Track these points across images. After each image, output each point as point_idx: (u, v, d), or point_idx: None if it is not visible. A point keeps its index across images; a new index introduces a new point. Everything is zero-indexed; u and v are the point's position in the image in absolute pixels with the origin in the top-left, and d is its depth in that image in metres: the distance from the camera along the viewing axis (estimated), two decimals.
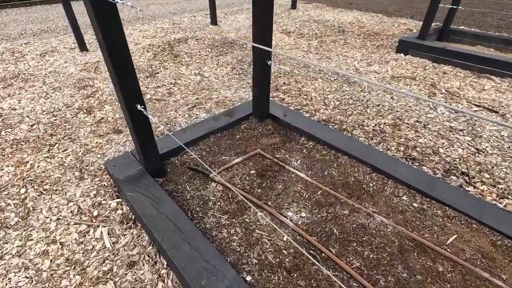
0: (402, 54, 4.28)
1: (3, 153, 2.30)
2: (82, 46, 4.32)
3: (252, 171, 1.85)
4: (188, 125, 2.63)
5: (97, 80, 3.46)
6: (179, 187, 1.78)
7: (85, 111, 2.89)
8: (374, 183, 1.76)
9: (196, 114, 2.82)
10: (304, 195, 1.68)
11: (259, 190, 1.71)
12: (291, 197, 1.66)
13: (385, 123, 2.63)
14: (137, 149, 1.76)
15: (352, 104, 2.96)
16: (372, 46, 4.61)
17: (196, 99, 3.10)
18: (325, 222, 1.51)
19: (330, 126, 2.58)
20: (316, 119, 2.69)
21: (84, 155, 2.31)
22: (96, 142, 2.45)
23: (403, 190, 1.69)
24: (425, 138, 2.44)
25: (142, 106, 1.51)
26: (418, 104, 2.97)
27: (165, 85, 3.39)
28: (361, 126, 2.60)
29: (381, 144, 2.37)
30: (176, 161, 1.99)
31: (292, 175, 1.81)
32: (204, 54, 4.24)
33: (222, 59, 4.08)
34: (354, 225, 1.48)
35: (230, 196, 1.68)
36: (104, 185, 1.99)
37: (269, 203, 1.63)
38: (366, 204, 1.62)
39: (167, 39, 4.85)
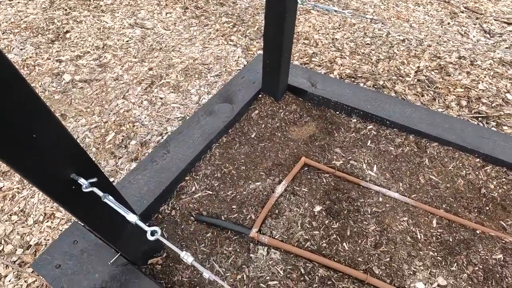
0: None
1: None
2: None
3: (316, 207, 1.10)
4: (157, 123, 1.63)
5: None
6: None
7: None
8: (495, 182, 1.16)
9: (161, 98, 1.79)
10: (417, 235, 1.02)
11: (345, 246, 1.00)
12: (403, 247, 0.99)
13: (427, 67, 1.97)
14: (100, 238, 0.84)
15: (371, 44, 2.18)
16: None
17: (149, 69, 1.99)
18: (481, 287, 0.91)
19: (362, 84, 1.83)
20: (338, 76, 1.90)
21: None
22: (2, 188, 1.37)
23: None
24: (483, 82, 1.87)
25: (94, 179, 0.57)
26: (445, 31, 2.31)
27: (89, 51, 2.13)
28: (400, 77, 1.90)
29: (436, 100, 1.75)
30: (173, 212, 1.12)
31: (380, 198, 1.12)
32: None
33: None
34: None
35: (301, 271, 0.95)
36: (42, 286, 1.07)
37: (375, 270, 0.95)
38: (504, 224, 1.05)
39: None
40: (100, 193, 0.55)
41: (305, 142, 1.36)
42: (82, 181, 0.56)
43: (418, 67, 1.97)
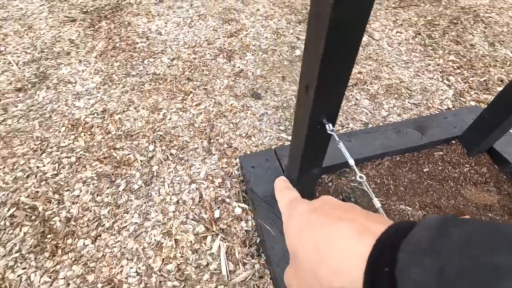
0: None
1: (142, 89, 2.13)
2: None
3: None
4: (344, 116, 1.92)
5: (244, 15, 2.91)
6: None
7: (225, 54, 2.45)
8: None
9: (357, 99, 2.05)
10: None
11: None
12: None
13: None
14: (289, 167, 1.21)
15: None
16: None
17: (359, 72, 2.27)
18: None
19: None
20: None
21: (216, 118, 1.93)
22: (231, 104, 2.03)
23: None
24: None
25: (329, 123, 0.88)
26: None
27: None
28: None
29: None
30: (330, 183, 1.39)
31: None
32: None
33: (403, 15, 2.91)
34: None
35: None
36: (231, 173, 1.60)
37: None
38: None
39: None
40: (336, 138, 0.84)
41: (477, 206, 1.31)
42: (329, 125, 0.87)
43: None
